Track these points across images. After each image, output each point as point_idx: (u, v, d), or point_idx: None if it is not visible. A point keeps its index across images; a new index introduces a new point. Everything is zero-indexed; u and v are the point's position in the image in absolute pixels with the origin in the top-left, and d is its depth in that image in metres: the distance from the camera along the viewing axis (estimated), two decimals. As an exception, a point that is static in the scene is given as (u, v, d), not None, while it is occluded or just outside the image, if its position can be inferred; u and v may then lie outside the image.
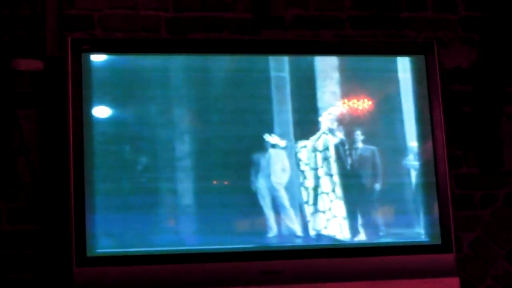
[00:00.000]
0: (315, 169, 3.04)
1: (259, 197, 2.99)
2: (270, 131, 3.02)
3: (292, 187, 3.02)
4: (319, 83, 3.08)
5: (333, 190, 3.04)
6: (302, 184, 3.03)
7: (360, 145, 3.08)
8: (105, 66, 2.98)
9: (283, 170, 3.02)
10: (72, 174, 2.84)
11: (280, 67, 3.08)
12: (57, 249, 3.04)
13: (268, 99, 3.04)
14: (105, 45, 3.00)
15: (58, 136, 3.05)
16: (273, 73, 3.07)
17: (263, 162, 3.00)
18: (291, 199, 3.01)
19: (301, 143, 3.04)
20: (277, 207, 3.00)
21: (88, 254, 2.83)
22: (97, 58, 2.95)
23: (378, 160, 3.07)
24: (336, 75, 3.10)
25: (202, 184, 2.97)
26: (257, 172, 3.00)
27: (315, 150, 3.04)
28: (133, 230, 2.90)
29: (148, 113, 2.99)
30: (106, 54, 2.97)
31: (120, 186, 2.92)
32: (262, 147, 3.01)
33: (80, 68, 2.89)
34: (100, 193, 2.88)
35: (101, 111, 2.94)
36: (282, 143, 3.02)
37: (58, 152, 3.05)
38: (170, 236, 2.95)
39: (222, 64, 3.06)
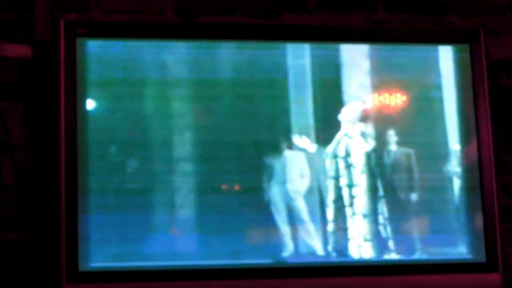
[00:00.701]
0: (337, 178, 2.93)
1: (273, 208, 2.88)
2: (287, 131, 2.91)
3: (312, 197, 2.91)
4: (346, 74, 2.98)
5: (358, 203, 2.92)
6: (324, 194, 2.92)
7: (393, 147, 2.94)
8: (102, 52, 2.88)
9: (302, 175, 2.89)
10: (63, 176, 2.75)
11: (301, 54, 2.97)
12: (45, 262, 2.92)
13: (286, 93, 2.94)
14: (103, 29, 2.92)
15: (48, 132, 2.94)
16: (293, 62, 2.96)
17: (278, 167, 2.88)
18: (311, 211, 2.90)
19: (323, 146, 2.93)
20: (293, 220, 2.89)
21: (80, 268, 2.73)
22: (94, 44, 2.87)
23: (414, 165, 2.95)
24: (366, 66, 2.99)
25: (208, 192, 2.87)
26: (270, 178, 2.88)
27: (336, 156, 2.92)
28: (132, 242, 2.80)
29: (150, 107, 2.89)
30: (104, 39, 2.89)
31: (118, 189, 2.82)
32: (277, 148, 2.91)
33: (75, 54, 2.82)
34: (95, 198, 2.79)
35: (97, 104, 2.87)
36: (312, 147, 2.90)
37: (47, 150, 2.94)
38: (173, 250, 2.84)
39: (236, 52, 2.96)
